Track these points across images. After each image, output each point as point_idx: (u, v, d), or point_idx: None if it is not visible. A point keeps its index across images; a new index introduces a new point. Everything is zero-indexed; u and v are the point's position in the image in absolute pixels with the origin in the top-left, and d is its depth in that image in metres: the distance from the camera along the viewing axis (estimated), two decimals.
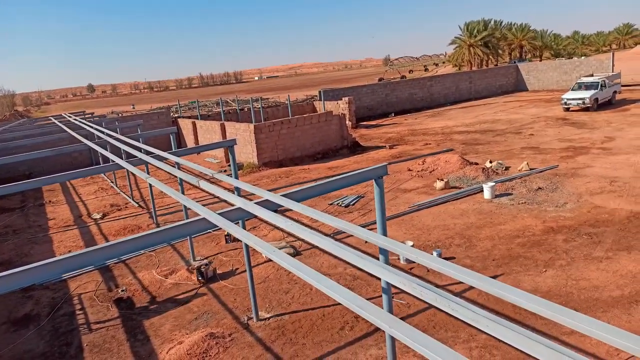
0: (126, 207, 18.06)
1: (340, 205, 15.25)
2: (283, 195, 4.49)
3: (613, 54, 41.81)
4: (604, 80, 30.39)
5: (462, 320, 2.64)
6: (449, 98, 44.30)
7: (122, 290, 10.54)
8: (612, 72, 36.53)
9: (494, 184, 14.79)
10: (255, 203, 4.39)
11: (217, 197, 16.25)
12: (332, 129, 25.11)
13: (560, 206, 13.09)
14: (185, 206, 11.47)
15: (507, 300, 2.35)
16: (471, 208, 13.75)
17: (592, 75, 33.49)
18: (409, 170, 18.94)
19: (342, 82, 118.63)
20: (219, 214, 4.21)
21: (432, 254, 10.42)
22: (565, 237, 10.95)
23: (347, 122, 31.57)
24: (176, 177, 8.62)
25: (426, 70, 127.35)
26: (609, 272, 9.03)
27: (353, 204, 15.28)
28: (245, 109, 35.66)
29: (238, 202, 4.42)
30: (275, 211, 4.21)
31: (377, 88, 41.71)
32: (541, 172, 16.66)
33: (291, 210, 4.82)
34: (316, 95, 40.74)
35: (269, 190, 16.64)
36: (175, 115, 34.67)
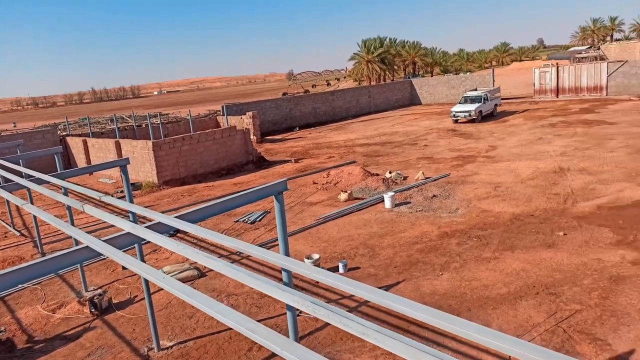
0: (5, 236, 16.21)
1: (246, 222, 14.99)
2: (177, 217, 4.26)
3: (493, 70, 46.15)
4: (486, 94, 33.41)
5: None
6: (351, 112, 45.90)
7: (0, 331, 9.36)
8: (493, 86, 40.31)
9: (394, 193, 15.47)
10: (145, 227, 4.11)
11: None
12: (236, 144, 24.75)
13: (452, 212, 14.02)
14: None
15: (395, 310, 2.41)
16: (374, 218, 14.24)
17: (476, 90, 36.69)
18: (314, 183, 19.20)
19: (246, 96, 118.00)
20: (104, 240, 3.88)
21: (338, 266, 10.63)
22: (458, 240, 11.73)
23: (251, 136, 31.34)
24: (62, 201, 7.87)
25: (328, 84, 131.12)
26: (497, 271, 9.80)
27: (259, 220, 15.10)
28: (143, 125, 33.97)
29: (126, 226, 4.12)
30: (177, 232, 3.97)
31: (281, 102, 42.01)
32: (435, 180, 17.76)
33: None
34: (219, 110, 40.02)
35: (172, 210, 15.83)
36: (64, 134, 32.01)
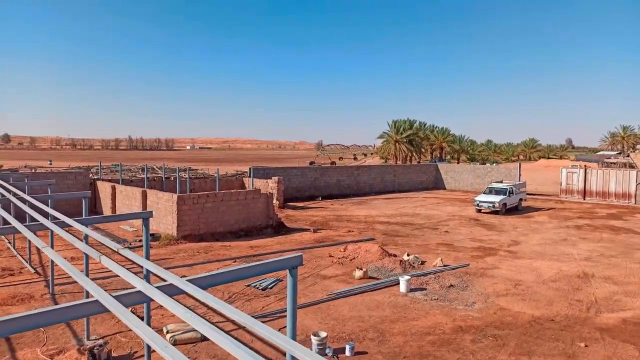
0: (20, 272, 16.31)
1: (258, 288, 14.77)
2: (189, 280, 4.25)
3: (520, 165, 46.34)
4: (512, 187, 33.30)
5: None
6: (374, 188, 46.19)
7: None
8: (519, 180, 40.25)
9: (410, 277, 15.12)
10: (157, 287, 4.11)
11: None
12: (258, 207, 24.98)
13: (469, 305, 13.53)
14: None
15: None
16: (387, 300, 13.85)
17: (501, 182, 36.64)
18: (330, 256, 19.00)
19: (274, 161, 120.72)
20: (114, 296, 3.88)
21: (345, 347, 10.24)
22: (473, 337, 11.22)
23: (274, 201, 31.65)
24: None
25: (355, 159, 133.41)
26: None
27: (271, 287, 14.87)
28: (172, 178, 34.82)
29: (138, 284, 4.12)
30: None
31: (307, 171, 42.73)
32: (454, 269, 17.35)
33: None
34: (246, 172, 40.87)
35: (186, 265, 15.79)
36: (95, 177, 33.03)
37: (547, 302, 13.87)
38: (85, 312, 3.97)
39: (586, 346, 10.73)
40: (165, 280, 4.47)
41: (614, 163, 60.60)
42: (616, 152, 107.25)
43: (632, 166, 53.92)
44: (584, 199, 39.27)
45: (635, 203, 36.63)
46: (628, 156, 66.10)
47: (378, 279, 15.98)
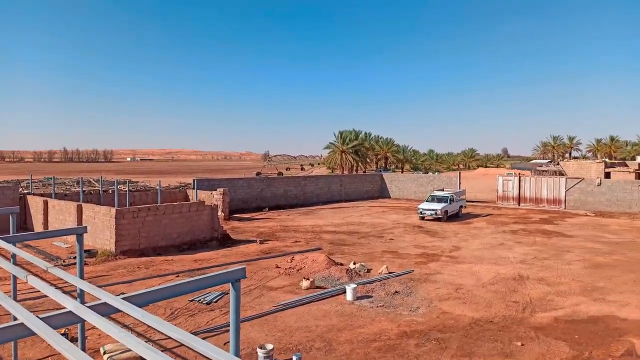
0: None
1: (202, 302, 14.38)
2: (125, 298, 4.07)
3: (460, 173, 48.26)
4: (452, 195, 34.58)
5: None
6: (321, 198, 46.46)
7: None
8: (459, 188, 41.87)
9: (356, 285, 15.28)
10: (89, 306, 3.89)
11: (58, 292, 14.35)
12: (202, 220, 24.41)
13: (413, 310, 13.85)
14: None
15: None
16: (334, 309, 13.90)
17: (443, 190, 37.98)
18: (277, 267, 18.86)
19: (220, 172, 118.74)
20: (42, 318, 3.64)
21: (292, 359, 10.14)
22: (417, 341, 11.47)
23: (219, 213, 31.06)
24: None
25: (302, 169, 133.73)
26: None
27: (216, 301, 14.53)
28: (110, 191, 33.37)
29: (69, 304, 3.89)
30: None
31: (253, 182, 42.36)
32: (398, 276, 17.71)
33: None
34: (190, 184, 39.91)
35: (125, 282, 15.12)
36: (25, 192, 31.05)
37: (486, 304, 14.44)
38: (9, 336, 3.69)
39: (522, 345, 11.25)
40: (98, 299, 4.24)
41: (546, 171, 64.41)
42: (547, 161, 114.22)
43: (561, 174, 57.56)
44: (519, 205, 41.42)
45: (565, 208, 39.06)
46: (558, 164, 70.51)
47: (325, 288, 16.03)
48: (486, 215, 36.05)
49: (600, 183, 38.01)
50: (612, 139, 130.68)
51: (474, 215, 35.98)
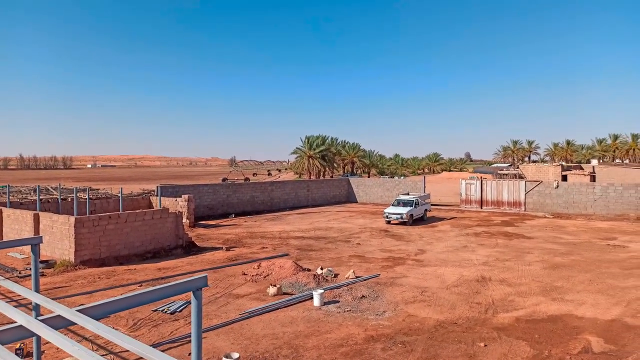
0: None
1: (166, 312, 14.05)
2: (79, 311, 3.92)
3: (424, 177, 49.13)
4: (417, 199, 35.14)
5: None
6: (289, 203, 46.34)
7: None
8: (424, 192, 42.61)
9: (323, 291, 15.28)
10: (41, 320, 3.73)
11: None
12: (166, 227, 23.90)
13: (380, 314, 13.95)
14: None
15: None
16: (301, 315, 13.85)
17: (408, 194, 38.56)
18: (244, 274, 18.65)
19: (185, 178, 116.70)
20: None
21: None
22: (383, 345, 11.55)
23: (184, 220, 30.51)
24: None
25: (269, 174, 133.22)
26: None
27: (180, 311, 14.23)
28: (69, 199, 32.26)
29: (20, 318, 3.71)
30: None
31: (219, 188, 41.83)
32: (365, 280, 17.82)
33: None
34: (154, 190, 39.05)
35: (85, 293, 14.58)
36: None
37: (450, 306, 14.71)
38: None
39: (485, 346, 11.50)
40: (53, 312, 4.08)
41: (506, 174, 66.35)
42: (508, 164, 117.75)
43: (521, 177, 59.42)
44: (482, 208, 42.49)
45: (524, 210, 40.33)
46: (518, 168, 72.78)
47: (292, 294, 15.95)
48: (450, 219, 36.79)
49: (558, 186, 39.47)
50: (568, 143, 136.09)
51: (439, 219, 36.66)
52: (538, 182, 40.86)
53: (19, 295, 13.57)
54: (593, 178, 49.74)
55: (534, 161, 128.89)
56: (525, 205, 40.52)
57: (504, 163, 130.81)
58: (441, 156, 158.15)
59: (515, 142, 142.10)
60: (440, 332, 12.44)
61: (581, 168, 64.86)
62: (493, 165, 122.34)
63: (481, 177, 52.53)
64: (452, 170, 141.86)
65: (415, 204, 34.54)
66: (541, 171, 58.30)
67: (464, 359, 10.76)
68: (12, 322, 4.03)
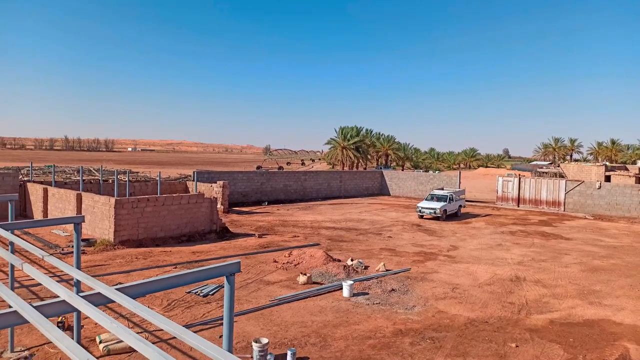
0: None
1: (199, 295, 14.41)
2: (119, 289, 4.07)
3: (460, 173, 48.19)
4: (452, 195, 34.55)
5: None
6: (321, 193, 46.46)
7: None
8: (459, 188, 41.84)
9: (353, 282, 15.29)
10: (82, 296, 3.89)
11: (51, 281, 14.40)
12: (201, 212, 24.42)
13: (409, 309, 13.87)
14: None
15: None
16: (330, 305, 13.92)
17: (442, 189, 37.96)
18: (275, 261, 18.88)
19: (220, 165, 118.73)
20: (35, 307, 3.64)
21: (286, 354, 10.17)
22: (412, 340, 11.49)
23: (219, 205, 31.08)
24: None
25: (303, 164, 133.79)
26: None
27: (212, 294, 14.55)
28: (110, 181, 33.37)
29: (62, 293, 3.89)
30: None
31: (253, 176, 42.33)
32: (395, 274, 17.73)
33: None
34: (190, 175, 39.91)
35: (122, 272, 15.12)
36: (25, 179, 31.07)
37: (482, 304, 14.46)
38: (3, 323, 3.69)
39: (517, 346, 11.27)
40: (93, 289, 4.24)
41: (546, 172, 64.34)
42: (548, 162, 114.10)
43: (562, 176, 57.49)
44: (518, 206, 41.41)
45: (564, 210, 39.05)
46: (558, 166, 70.44)
47: (322, 284, 16.05)
48: (485, 216, 36.05)
49: (600, 186, 37.98)
50: (613, 142, 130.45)
51: (473, 215, 35.98)
52: (579, 182, 39.44)
53: (61, 271, 14.19)
54: (638, 180, 47.60)
55: (576, 160, 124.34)
56: (564, 205, 39.22)
57: (544, 161, 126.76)
58: (478, 152, 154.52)
59: (556, 140, 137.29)
60: (471, 330, 12.26)
61: (626, 169, 62.12)
62: (532, 163, 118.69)
63: (519, 175, 51.13)
64: (489, 167, 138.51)
65: (450, 199, 33.99)
66: (583, 171, 56.21)
67: (494, 358, 10.58)
68: (55, 297, 4.22)
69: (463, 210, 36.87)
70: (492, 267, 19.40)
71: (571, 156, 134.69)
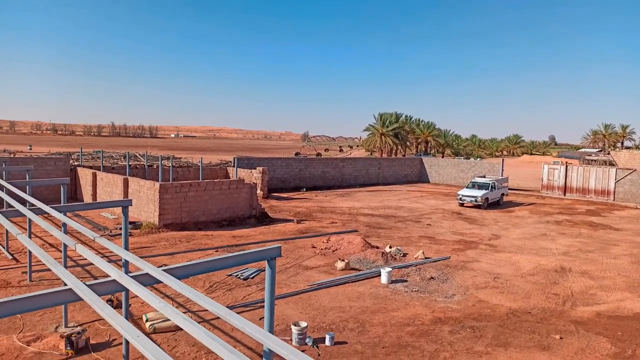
0: None
1: (239, 278, 14.75)
2: (165, 270, 4.21)
3: (503, 160, 46.84)
4: (494, 182, 33.68)
5: None
6: (359, 180, 46.32)
7: None
8: (502, 175, 40.70)
9: (391, 269, 15.25)
10: (132, 276, 4.06)
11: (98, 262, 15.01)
12: (242, 197, 24.86)
13: (449, 297, 13.71)
14: (65, 265, 10.42)
15: None
16: (368, 292, 13.95)
17: (484, 177, 37.06)
18: (313, 247, 19.04)
19: (259, 151, 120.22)
20: (88, 285, 3.82)
21: (325, 337, 10.29)
22: (451, 328, 11.37)
23: (258, 191, 31.54)
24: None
25: (341, 150, 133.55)
26: None
27: (252, 277, 14.86)
28: (154, 166, 34.44)
29: (113, 273, 4.07)
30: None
31: (292, 162, 42.63)
32: (435, 262, 17.53)
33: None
34: (231, 161, 40.63)
35: (167, 254, 15.62)
36: (76, 164, 32.49)
37: (525, 295, 14.12)
38: (59, 300, 3.91)
39: (561, 338, 10.96)
40: (141, 270, 4.42)
41: (595, 160, 61.69)
42: (597, 150, 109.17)
43: (612, 164, 54.97)
44: (564, 195, 39.93)
45: (613, 200, 37.36)
46: (608, 154, 67.35)
47: (360, 270, 16.08)
48: (529, 205, 34.99)
49: None
50: None
51: (516, 204, 34.99)
52: (631, 170, 37.54)
53: (109, 252, 14.84)
54: None
55: (628, 148, 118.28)
56: (614, 194, 37.49)
57: (593, 148, 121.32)
58: (522, 138, 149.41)
59: (607, 126, 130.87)
60: (513, 321, 12.01)
61: None
62: (580, 150, 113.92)
63: (566, 162, 49.21)
64: (533, 154, 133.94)
65: (492, 187, 33.15)
66: (635, 158, 53.52)
67: (537, 349, 10.34)
68: (106, 276, 4.42)
69: (506, 198, 35.90)
70: (536, 257, 18.87)
71: (622, 143, 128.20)
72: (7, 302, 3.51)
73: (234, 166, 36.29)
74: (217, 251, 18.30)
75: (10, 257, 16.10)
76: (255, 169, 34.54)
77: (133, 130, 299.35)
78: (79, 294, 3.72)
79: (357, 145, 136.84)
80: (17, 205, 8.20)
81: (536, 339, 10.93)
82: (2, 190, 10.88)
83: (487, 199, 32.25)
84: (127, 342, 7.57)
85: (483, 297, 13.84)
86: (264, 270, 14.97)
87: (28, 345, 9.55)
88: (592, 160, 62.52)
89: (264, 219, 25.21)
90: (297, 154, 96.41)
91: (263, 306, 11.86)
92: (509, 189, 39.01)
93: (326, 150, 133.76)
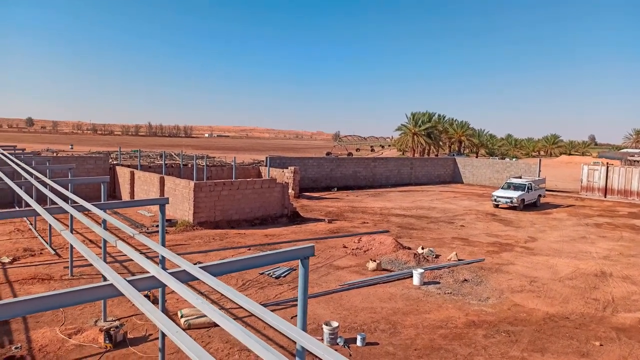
0: (41, 253, 16.71)
1: (271, 276, 14.89)
2: (202, 267, 4.30)
3: (540, 160, 45.56)
4: (530, 183, 32.79)
5: None
6: (390, 180, 45.97)
7: (16, 348, 9.45)
8: (539, 176, 39.59)
9: (424, 271, 15.07)
10: (170, 273, 4.17)
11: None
12: (274, 196, 25.09)
13: (483, 300, 13.45)
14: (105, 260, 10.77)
15: None
16: (400, 293, 13.84)
17: (520, 177, 36.13)
18: (344, 247, 19.03)
19: (291, 150, 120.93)
20: (128, 281, 3.95)
21: (356, 338, 10.27)
22: (486, 332, 11.16)
23: (290, 190, 31.74)
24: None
25: (372, 150, 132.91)
26: None
27: (284, 276, 14.98)
28: (189, 165, 35.17)
29: (152, 269, 4.19)
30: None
31: (323, 162, 42.70)
32: (468, 264, 17.22)
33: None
34: (263, 161, 41.06)
35: (201, 252, 15.95)
36: (114, 162, 33.54)
37: (563, 299, 13.70)
38: (101, 295, 4.06)
39: (601, 345, 10.59)
40: (178, 267, 4.53)
41: (638, 161, 59.17)
42: None
43: None
44: (605, 197, 38.51)
45: None
46: None
47: (391, 271, 15.97)
48: (567, 206, 33.91)
49: None
50: None
51: (554, 206, 33.97)
52: None
53: (146, 248, 15.23)
54: None
55: None
56: None
57: (636, 149, 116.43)
58: (560, 138, 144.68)
59: None
60: (550, 326, 11.67)
61: None
62: (622, 151, 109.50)
63: (607, 163, 47.41)
64: (572, 154, 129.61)
65: (528, 188, 32.28)
66: None
67: (575, 356, 10.02)
68: (144, 272, 4.55)
69: (543, 200, 34.91)
70: (575, 260, 18.27)
71: None
72: (53, 296, 3.67)
73: (266, 165, 36.65)
74: (249, 249, 18.53)
75: (53, 252, 16.76)
76: (287, 168, 34.78)
77: (169, 130, 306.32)
78: (120, 289, 3.85)
79: (389, 145, 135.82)
80: (61, 202, 8.54)
81: (575, 345, 10.59)
82: (46, 188, 11.35)
83: (523, 200, 31.45)
84: (164, 337, 7.77)
85: (519, 300, 13.51)
86: (295, 269, 15.10)
87: (69, 338, 9.93)
88: (634, 160, 59.98)
89: (295, 218, 25.36)
90: (328, 153, 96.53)
91: (295, 305, 11.95)
92: (547, 190, 37.91)
93: (357, 150, 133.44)
